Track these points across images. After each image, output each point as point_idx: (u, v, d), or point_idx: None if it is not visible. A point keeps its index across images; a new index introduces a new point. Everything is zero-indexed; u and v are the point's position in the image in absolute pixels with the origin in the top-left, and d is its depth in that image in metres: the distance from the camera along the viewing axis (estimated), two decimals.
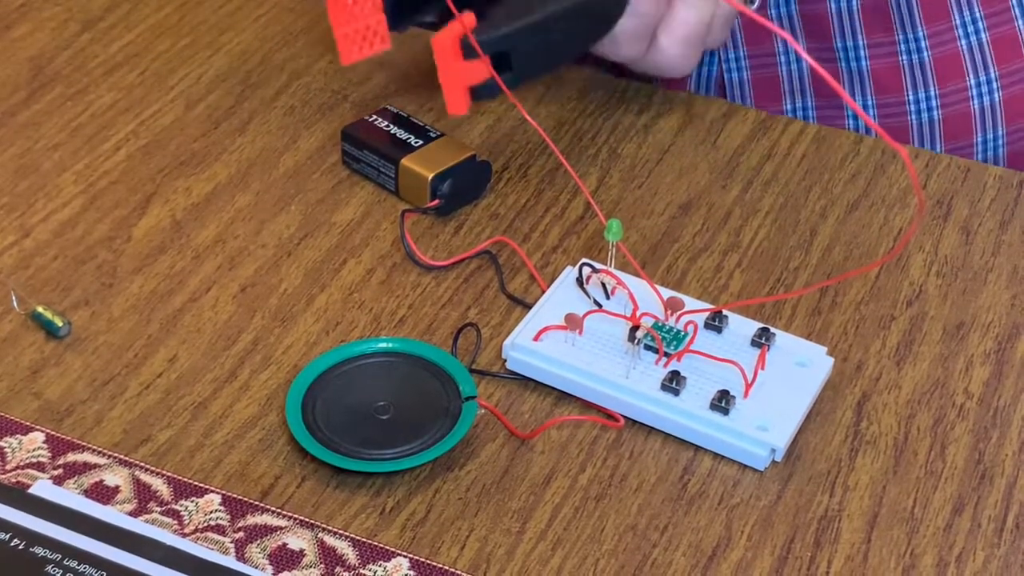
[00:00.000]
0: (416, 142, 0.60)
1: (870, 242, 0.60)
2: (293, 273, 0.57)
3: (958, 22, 0.69)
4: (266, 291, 0.56)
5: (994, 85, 0.70)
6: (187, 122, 0.65)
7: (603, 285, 0.55)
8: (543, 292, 0.55)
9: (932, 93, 0.70)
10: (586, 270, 0.55)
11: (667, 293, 0.54)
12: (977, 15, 0.69)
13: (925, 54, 0.69)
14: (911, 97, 0.71)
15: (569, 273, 0.56)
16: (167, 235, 0.59)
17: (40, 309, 0.54)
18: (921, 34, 0.69)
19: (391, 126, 0.61)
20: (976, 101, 0.70)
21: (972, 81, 0.69)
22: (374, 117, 0.62)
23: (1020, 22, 0.70)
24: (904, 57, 0.70)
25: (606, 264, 0.55)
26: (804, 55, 0.44)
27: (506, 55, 0.56)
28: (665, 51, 0.61)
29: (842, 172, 0.63)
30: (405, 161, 0.59)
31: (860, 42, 0.70)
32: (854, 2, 0.70)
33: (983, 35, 0.69)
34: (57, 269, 0.57)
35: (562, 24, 0.57)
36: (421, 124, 0.61)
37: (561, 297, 0.55)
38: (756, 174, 0.63)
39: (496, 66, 0.56)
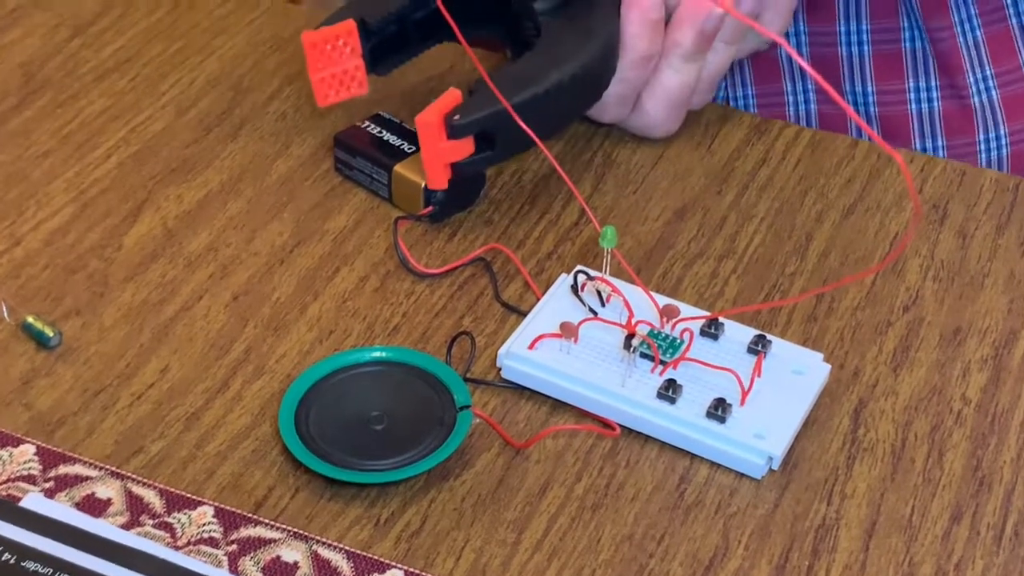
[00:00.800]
0: (409, 148, 0.60)
1: (866, 247, 0.59)
2: (286, 281, 0.57)
3: (971, 79, 0.69)
4: (259, 300, 0.56)
5: (1003, 140, 0.70)
6: (178, 128, 0.64)
7: (598, 292, 0.54)
8: (538, 300, 0.55)
9: (940, 144, 0.71)
10: (581, 277, 0.55)
11: (663, 300, 0.54)
12: (988, 73, 0.69)
13: (936, 104, 0.69)
14: (918, 146, 0.71)
15: (564, 280, 0.55)
16: (158, 243, 0.58)
17: (30, 319, 0.54)
18: (934, 84, 0.69)
19: (384, 132, 0.61)
20: (984, 156, 0.70)
21: (981, 136, 0.69)
22: (367, 123, 0.61)
23: None
24: (914, 106, 0.70)
25: (601, 271, 0.54)
26: (806, 67, 0.44)
27: (490, 133, 0.56)
28: (649, 113, 0.62)
29: (837, 177, 0.63)
30: (398, 168, 0.59)
31: (869, 88, 0.70)
32: (866, 48, 0.69)
33: (994, 93, 0.69)
34: (47, 278, 0.56)
35: (549, 101, 0.56)
36: (414, 130, 0.61)
37: (556, 305, 0.54)
38: (751, 179, 0.63)
39: (480, 143, 0.56)
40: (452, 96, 0.56)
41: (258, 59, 0.68)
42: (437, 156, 0.56)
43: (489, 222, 0.60)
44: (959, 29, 0.69)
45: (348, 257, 0.58)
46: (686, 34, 0.59)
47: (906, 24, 0.69)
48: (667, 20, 0.60)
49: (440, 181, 0.57)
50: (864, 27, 0.70)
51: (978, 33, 0.70)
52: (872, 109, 0.70)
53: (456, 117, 0.56)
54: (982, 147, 0.71)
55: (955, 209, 0.61)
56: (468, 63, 0.66)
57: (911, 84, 0.69)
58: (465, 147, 0.56)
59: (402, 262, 0.57)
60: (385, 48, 0.61)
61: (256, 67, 0.68)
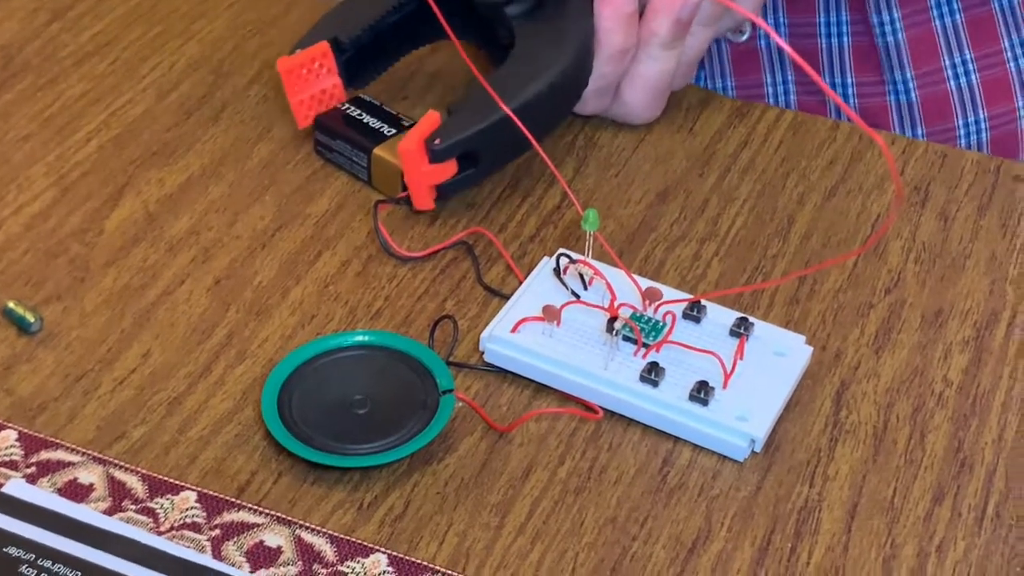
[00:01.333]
0: (389, 131, 0.60)
1: (848, 229, 0.59)
2: (268, 265, 0.57)
3: (947, 63, 0.69)
4: (241, 284, 0.56)
5: (982, 125, 0.70)
6: (159, 112, 0.64)
7: (580, 276, 0.54)
8: (520, 283, 0.55)
9: (920, 132, 0.71)
10: (563, 260, 0.55)
11: (645, 283, 0.54)
12: (968, 56, 0.69)
13: (913, 95, 0.69)
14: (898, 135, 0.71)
15: (546, 263, 0.55)
16: (140, 227, 0.58)
17: (11, 304, 0.53)
18: (909, 75, 0.69)
19: (364, 115, 0.60)
20: (963, 140, 0.70)
21: (960, 121, 0.70)
22: (347, 106, 0.61)
23: (1012, 65, 0.70)
24: (892, 97, 0.70)
25: (583, 254, 0.54)
26: (784, 45, 0.44)
27: (472, 152, 0.56)
28: (630, 103, 0.62)
29: (819, 159, 0.63)
30: (377, 151, 0.59)
31: (849, 80, 0.70)
32: (845, 39, 0.69)
33: (973, 76, 0.70)
34: (28, 263, 0.56)
35: (530, 111, 0.56)
36: (394, 113, 0.61)
37: (538, 288, 0.54)
38: (733, 161, 0.63)
39: (463, 162, 0.57)
40: (431, 119, 0.56)
41: (238, 42, 0.68)
42: (421, 180, 0.57)
43: (471, 205, 0.60)
44: (936, 12, 0.69)
45: (330, 241, 0.58)
46: (663, 23, 0.59)
47: (885, 17, 0.69)
48: (641, 9, 0.60)
49: (426, 203, 0.57)
50: (844, 18, 0.70)
51: (957, 17, 0.70)
52: (852, 100, 0.71)
53: (437, 141, 0.56)
54: (961, 132, 0.71)
55: (936, 191, 0.61)
56: (446, 49, 0.66)
57: (887, 76, 0.70)
58: (449, 168, 0.57)
59: (383, 246, 0.57)
60: (360, 62, 0.61)
61: (236, 50, 0.67)
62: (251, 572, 0.45)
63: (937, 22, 0.70)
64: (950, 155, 0.63)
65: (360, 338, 0.52)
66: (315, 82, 0.59)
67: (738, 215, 0.60)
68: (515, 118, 0.55)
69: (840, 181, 0.62)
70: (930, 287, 0.57)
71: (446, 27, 0.56)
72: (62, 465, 0.48)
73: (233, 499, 0.47)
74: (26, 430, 0.49)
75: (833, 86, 0.71)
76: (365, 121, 0.60)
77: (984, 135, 0.71)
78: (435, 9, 0.56)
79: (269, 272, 0.56)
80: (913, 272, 0.57)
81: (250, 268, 0.56)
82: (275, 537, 0.46)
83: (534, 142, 0.55)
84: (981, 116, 0.71)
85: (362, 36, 0.60)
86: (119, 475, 0.48)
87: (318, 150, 0.61)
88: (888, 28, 0.70)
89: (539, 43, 0.59)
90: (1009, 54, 0.71)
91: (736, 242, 0.59)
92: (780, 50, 0.71)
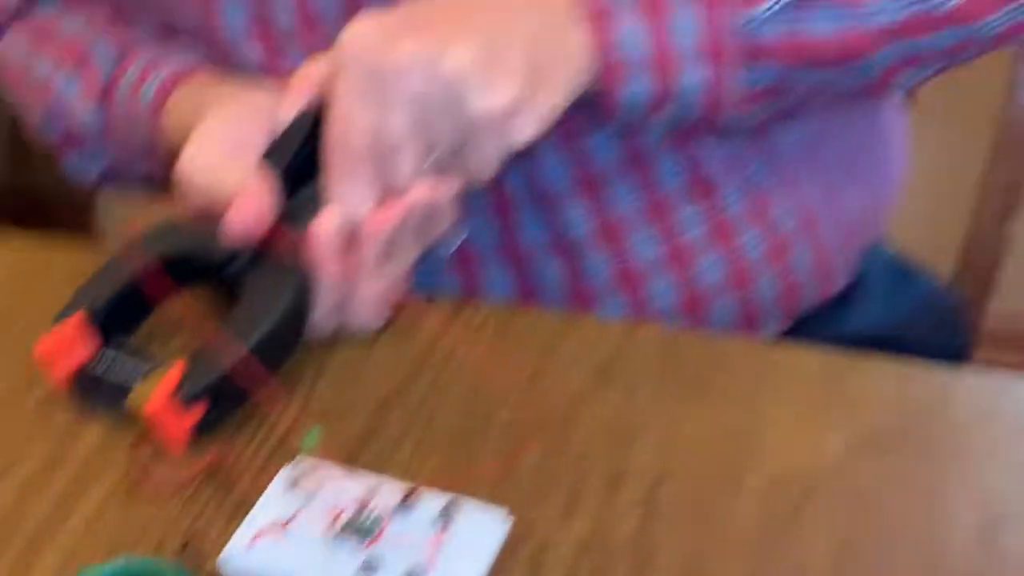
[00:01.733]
0: (142, 372, 0.67)
1: (549, 406, 0.69)
2: (36, 509, 0.64)
3: (636, 240, 0.82)
4: (11, 530, 0.63)
5: (671, 289, 0.83)
6: None
7: (311, 485, 0.63)
8: (260, 498, 0.63)
9: (621, 302, 0.83)
10: (295, 472, 0.63)
11: (367, 483, 0.63)
12: (651, 232, 0.81)
13: (610, 273, 0.82)
14: (608, 305, 0.83)
15: (281, 476, 0.64)
16: None
17: None
18: (604, 257, 0.82)
19: (117, 359, 0.68)
20: (658, 302, 0.83)
21: (654, 289, 0.82)
22: (99, 356, 0.68)
23: (696, 231, 0.82)
24: (592, 280, 0.82)
25: (316, 464, 0.63)
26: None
27: (218, 392, 0.66)
28: (354, 320, 0.71)
29: (526, 348, 0.73)
30: (130, 401, 0.66)
31: (551, 273, 0.82)
32: (542, 237, 0.81)
33: (661, 247, 0.82)
34: None
35: (263, 350, 0.66)
36: (150, 356, 0.69)
37: (274, 502, 0.63)
38: (449, 360, 0.72)
39: (212, 402, 0.66)
40: (176, 371, 0.65)
41: (5, 296, 0.76)
42: (175, 428, 0.65)
43: (214, 433, 0.68)
44: (620, 203, 0.81)
45: (94, 478, 0.65)
46: (372, 249, 0.69)
47: (572, 215, 0.81)
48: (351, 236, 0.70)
49: (180, 445, 0.66)
50: (540, 218, 0.81)
51: (639, 203, 0.81)
52: (561, 288, 0.82)
53: (182, 392, 0.65)
54: (653, 297, 0.82)
55: (622, 366, 0.71)
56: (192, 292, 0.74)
57: (586, 263, 0.81)
58: (198, 411, 0.65)
59: (140, 483, 0.65)
60: (115, 323, 0.69)
61: (3, 304, 0.75)
62: None
63: (620, 209, 0.81)
64: (633, 332, 0.74)
65: (117, 566, 0.60)
66: (77, 351, 0.67)
67: (453, 409, 0.69)
68: (250, 359, 0.64)
69: (540, 365, 0.72)
70: (611, 454, 0.66)
71: (174, 290, 0.66)
72: None
73: None
74: None
75: (542, 278, 0.82)
76: (116, 370, 0.68)
77: (672, 297, 0.82)
78: (157, 285, 0.66)
79: (38, 516, 0.64)
80: (599, 442, 0.67)
81: (20, 513, 0.64)
82: None
83: (262, 390, 0.64)
84: (671, 280, 0.82)
85: (113, 300, 0.69)
86: None
87: (78, 398, 0.69)
88: (577, 222, 0.81)
89: (264, 285, 0.68)
90: (689, 222, 0.82)
91: (449, 435, 0.68)
92: (494, 246, 0.82)
